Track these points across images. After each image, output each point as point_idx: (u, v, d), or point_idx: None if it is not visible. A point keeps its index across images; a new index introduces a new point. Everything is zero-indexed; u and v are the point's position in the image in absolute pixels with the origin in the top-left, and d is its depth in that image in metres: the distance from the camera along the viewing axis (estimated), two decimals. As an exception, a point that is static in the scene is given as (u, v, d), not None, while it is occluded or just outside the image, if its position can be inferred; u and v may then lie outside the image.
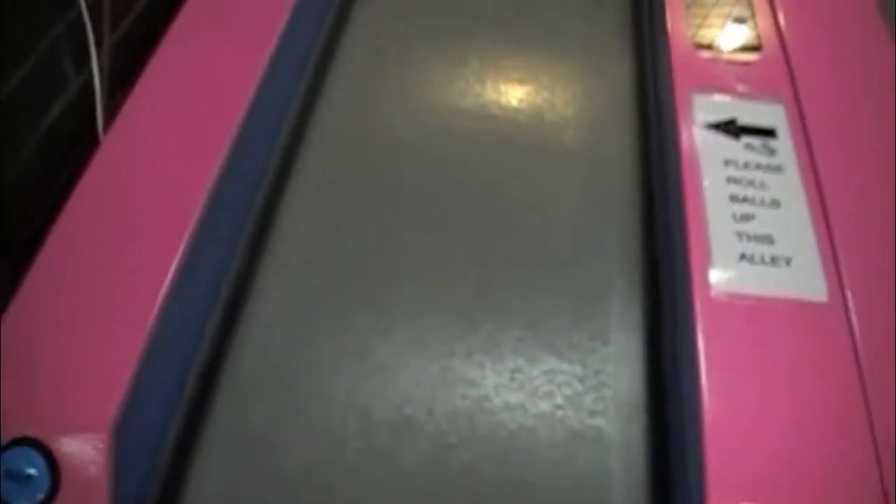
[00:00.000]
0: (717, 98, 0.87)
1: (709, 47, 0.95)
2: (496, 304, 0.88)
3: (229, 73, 0.92)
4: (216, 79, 0.91)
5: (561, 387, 0.81)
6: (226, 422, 0.78)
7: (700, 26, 0.97)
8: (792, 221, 0.76)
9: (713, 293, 0.71)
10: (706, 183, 0.79)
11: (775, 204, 0.78)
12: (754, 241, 0.75)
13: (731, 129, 0.84)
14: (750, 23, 0.99)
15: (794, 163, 0.81)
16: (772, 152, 0.82)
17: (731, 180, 0.79)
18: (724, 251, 0.74)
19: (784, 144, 0.83)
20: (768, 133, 0.83)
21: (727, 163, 0.81)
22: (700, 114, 0.85)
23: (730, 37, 0.96)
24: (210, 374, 0.81)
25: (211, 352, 0.82)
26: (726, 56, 0.94)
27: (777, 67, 0.92)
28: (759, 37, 0.96)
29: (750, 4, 1.02)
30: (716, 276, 0.72)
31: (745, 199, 0.78)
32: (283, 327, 0.85)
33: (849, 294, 0.72)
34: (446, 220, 0.94)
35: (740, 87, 0.89)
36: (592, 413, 0.80)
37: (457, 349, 0.83)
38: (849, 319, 0.70)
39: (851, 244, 0.76)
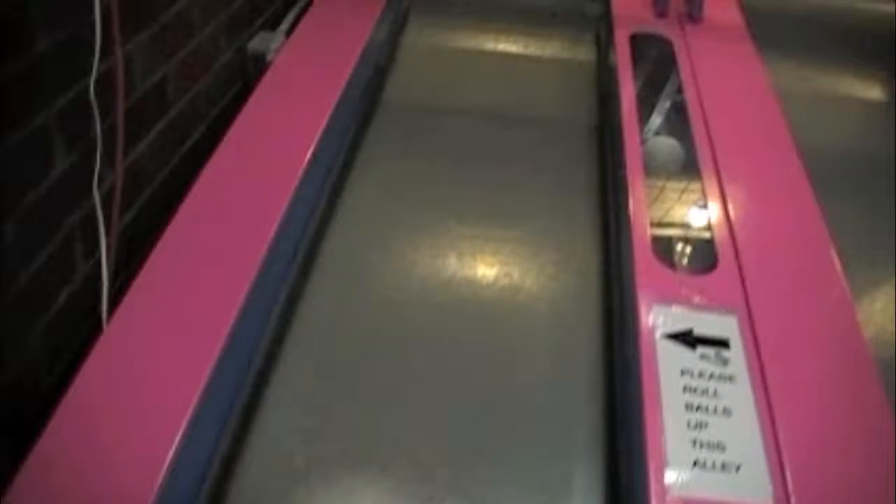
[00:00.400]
0: (675, 309, 0.96)
1: (669, 257, 1.05)
2: (464, 493, 0.94)
3: (229, 262, 1.00)
4: (218, 265, 1.00)
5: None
6: None
7: (661, 234, 1.07)
8: (742, 429, 0.84)
9: (668, 497, 0.78)
10: (664, 392, 0.87)
11: (727, 412, 0.86)
12: (707, 449, 0.82)
13: (687, 339, 0.92)
14: (708, 235, 1.09)
15: (745, 372, 0.89)
16: (724, 362, 0.90)
17: (687, 389, 0.87)
18: (679, 457, 0.81)
19: (736, 355, 0.91)
20: (722, 344, 0.92)
21: (683, 372, 0.89)
22: (661, 324, 0.94)
23: (688, 249, 1.06)
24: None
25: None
26: (685, 268, 1.04)
27: (731, 281, 1.01)
28: (714, 251, 1.05)
29: (708, 217, 1.12)
30: (671, 479, 0.79)
31: (699, 408, 0.86)
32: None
33: (793, 500, 0.79)
34: (416, 406, 1.01)
35: (697, 299, 0.98)
36: None
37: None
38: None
39: (798, 451, 0.83)
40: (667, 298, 0.97)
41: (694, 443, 0.82)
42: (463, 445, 0.96)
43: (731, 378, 0.89)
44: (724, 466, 0.80)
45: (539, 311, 1.16)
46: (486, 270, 1.23)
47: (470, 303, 1.16)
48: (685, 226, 1.11)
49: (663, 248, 1.06)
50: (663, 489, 0.78)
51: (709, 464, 0.81)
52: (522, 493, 0.92)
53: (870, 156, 1.56)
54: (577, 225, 1.29)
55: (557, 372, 1.06)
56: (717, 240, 1.07)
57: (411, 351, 1.07)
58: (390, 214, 1.30)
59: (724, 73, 1.50)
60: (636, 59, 1.51)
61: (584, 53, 1.83)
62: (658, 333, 0.93)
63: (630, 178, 1.17)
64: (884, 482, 0.81)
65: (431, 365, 1.05)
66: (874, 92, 1.90)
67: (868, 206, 1.37)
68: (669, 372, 0.89)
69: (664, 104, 1.38)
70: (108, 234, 1.09)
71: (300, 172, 1.15)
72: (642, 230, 1.08)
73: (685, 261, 1.05)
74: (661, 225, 1.10)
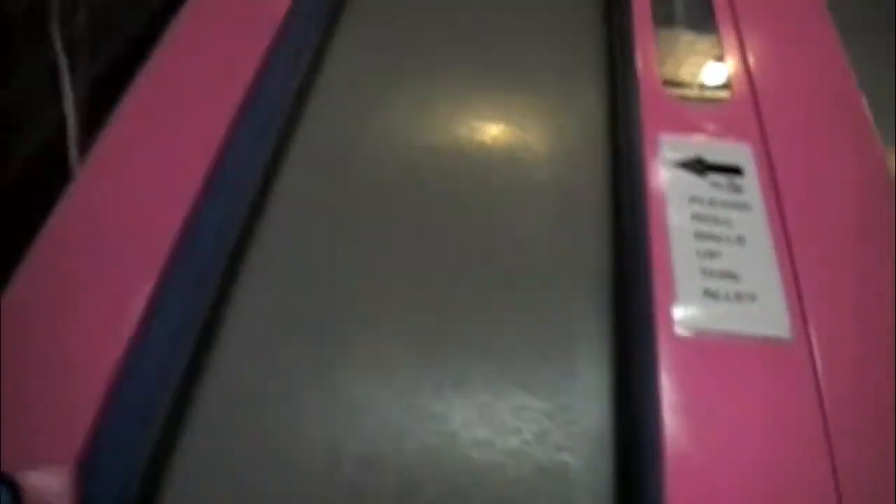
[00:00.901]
0: (685, 138, 0.88)
1: (678, 86, 0.96)
2: (466, 338, 0.88)
3: (204, 112, 0.92)
4: (190, 116, 0.92)
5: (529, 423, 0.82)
6: (197, 451, 0.78)
7: (670, 64, 0.98)
8: (757, 258, 0.77)
9: (676, 329, 0.71)
10: (672, 220, 0.80)
11: (741, 241, 0.79)
12: (719, 278, 0.75)
13: (697, 166, 0.85)
14: (720, 63, 1.00)
15: (760, 200, 0.82)
16: (738, 190, 0.83)
17: (697, 217, 0.80)
18: (688, 287, 0.74)
19: (750, 182, 0.84)
20: (735, 171, 0.85)
21: (693, 200, 0.82)
22: (667, 153, 0.86)
23: (699, 76, 0.98)
24: (180, 403, 0.81)
25: (181, 381, 0.82)
26: (695, 96, 0.96)
27: (745, 108, 0.93)
28: (728, 77, 0.97)
29: (720, 44, 1.03)
30: (679, 312, 0.73)
31: (710, 237, 0.79)
32: (254, 357, 0.85)
33: (812, 331, 0.73)
34: (416, 256, 0.95)
35: (708, 127, 0.90)
36: (560, 449, 0.80)
37: (425, 384, 0.83)
38: (812, 357, 0.71)
39: (815, 281, 0.77)
40: (675, 128, 0.90)
41: (704, 272, 0.75)
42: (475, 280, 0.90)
43: (744, 206, 0.81)
44: (737, 296, 0.74)
45: (543, 153, 1.09)
46: (485, 123, 1.15)
47: (472, 153, 1.09)
48: (696, 54, 1.02)
49: (672, 78, 0.98)
50: (670, 321, 0.72)
51: (721, 294, 0.74)
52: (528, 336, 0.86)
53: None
54: (582, 64, 1.21)
55: (565, 212, 0.99)
56: (731, 70, 0.98)
57: (409, 206, 1.00)
58: (380, 60, 1.22)
59: None
60: None
61: None
62: (665, 161, 0.85)
63: (637, 9, 1.08)
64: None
65: (432, 217, 0.99)
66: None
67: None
68: (678, 200, 0.82)
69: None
70: (73, 80, 1.01)
71: (279, 30, 1.06)
72: (649, 59, 0.99)
73: (696, 91, 0.97)
74: (670, 55, 1.01)
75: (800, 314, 0.74)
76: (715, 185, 0.84)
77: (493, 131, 1.13)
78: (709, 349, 0.71)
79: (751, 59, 1.00)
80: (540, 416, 0.83)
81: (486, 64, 1.20)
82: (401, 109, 1.15)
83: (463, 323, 0.90)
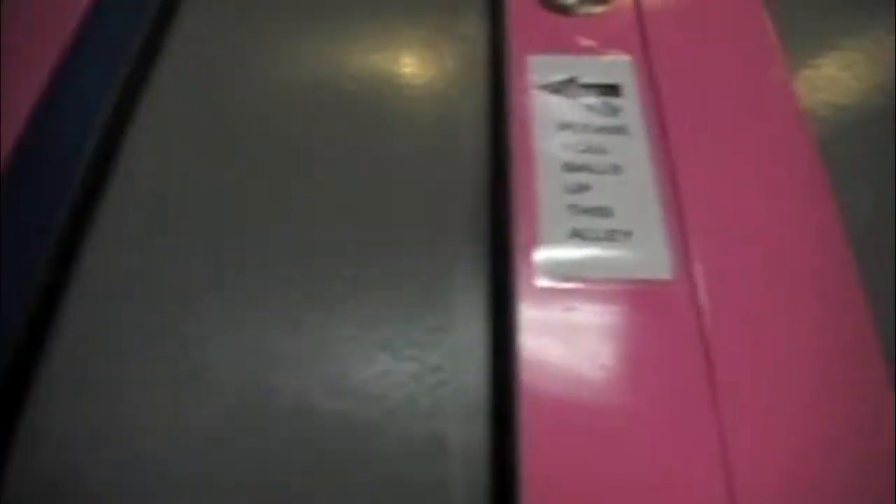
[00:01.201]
0: (558, 57, 0.78)
1: (552, 2, 0.86)
2: (326, 299, 0.78)
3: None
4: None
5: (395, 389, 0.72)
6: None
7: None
8: (634, 189, 0.67)
9: (537, 279, 0.62)
10: (538, 152, 0.69)
11: (616, 170, 0.68)
12: (589, 215, 0.65)
13: (569, 88, 0.74)
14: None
15: (641, 122, 0.72)
16: (615, 111, 0.73)
17: (567, 146, 0.70)
18: (553, 229, 0.64)
19: (630, 103, 0.73)
20: (611, 90, 0.74)
21: (563, 126, 0.71)
22: (537, 75, 0.76)
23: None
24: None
25: None
26: (571, 11, 0.85)
27: (628, 20, 0.83)
28: (608, -13, 0.86)
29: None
30: (541, 258, 0.63)
31: (581, 167, 0.68)
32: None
33: (697, 269, 0.63)
34: (275, 204, 0.84)
35: (584, 44, 0.80)
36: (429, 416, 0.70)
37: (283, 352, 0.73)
38: (696, 299, 0.61)
39: (703, 211, 0.67)
40: (548, 46, 0.79)
41: (573, 209, 0.65)
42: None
43: (622, 129, 0.71)
44: (609, 235, 0.64)
45: (421, 84, 0.98)
46: (358, 53, 1.03)
47: (343, 85, 0.97)
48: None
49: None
50: (531, 267, 0.62)
51: (591, 233, 0.64)
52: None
53: None
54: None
55: (442, 149, 0.88)
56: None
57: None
58: None
59: None
60: None
61: None
62: (534, 85, 0.75)
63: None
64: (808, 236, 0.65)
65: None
66: None
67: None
68: (545, 128, 0.71)
69: None
70: None
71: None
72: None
73: (573, 4, 0.86)
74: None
75: (683, 250, 0.64)
76: (590, 107, 0.73)
77: (366, 62, 1.01)
78: (574, 298, 0.61)
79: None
80: (407, 380, 0.73)
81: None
82: (271, 39, 1.03)
83: (327, 280, 0.79)
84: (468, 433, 0.69)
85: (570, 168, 0.68)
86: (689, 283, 0.62)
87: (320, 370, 0.73)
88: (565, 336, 0.59)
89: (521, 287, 0.61)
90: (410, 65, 0.98)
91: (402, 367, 0.73)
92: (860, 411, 0.58)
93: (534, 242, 0.63)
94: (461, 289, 0.77)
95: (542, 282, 0.61)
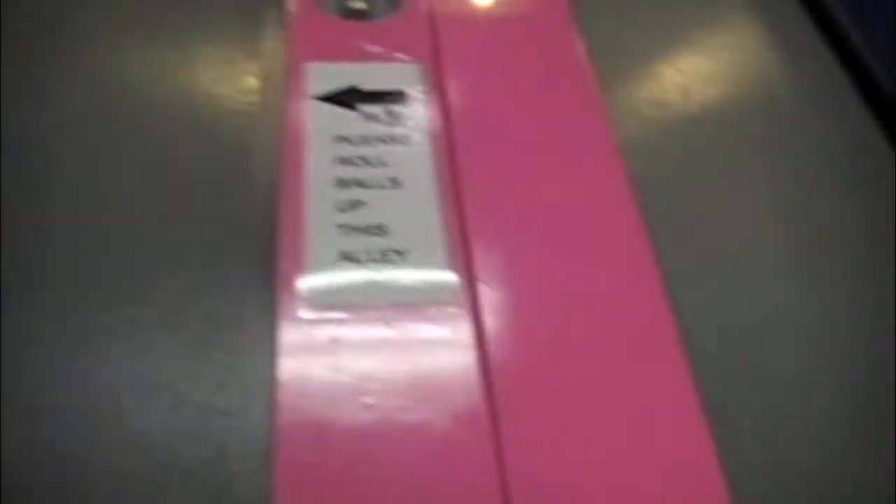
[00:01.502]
0: (337, 65, 0.71)
1: (343, 8, 0.80)
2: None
3: None
4: None
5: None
6: None
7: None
8: (413, 204, 0.61)
9: (300, 306, 0.55)
10: (308, 169, 0.63)
11: (395, 184, 0.63)
12: (361, 234, 0.59)
13: (347, 98, 0.68)
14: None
15: (425, 132, 0.66)
16: (397, 120, 0.67)
17: (341, 161, 0.64)
18: (320, 253, 0.58)
19: (414, 111, 0.68)
20: (394, 98, 0.68)
21: (338, 139, 0.65)
22: (314, 84, 0.69)
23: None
24: None
25: None
26: (361, 17, 0.79)
27: (418, 26, 0.77)
28: (396, -9, 0.81)
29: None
30: (305, 286, 0.56)
31: (355, 182, 0.62)
32: None
33: (481, 290, 0.57)
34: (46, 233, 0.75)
35: (371, 50, 0.74)
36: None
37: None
38: (479, 321, 0.56)
39: (490, 223, 0.61)
40: (329, 52, 0.73)
41: (344, 228, 0.59)
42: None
43: (403, 139, 0.65)
44: (383, 256, 0.58)
45: (214, 101, 0.90)
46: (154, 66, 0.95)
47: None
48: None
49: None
50: (294, 296, 0.55)
51: (362, 255, 0.58)
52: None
53: None
54: None
55: (232, 166, 0.81)
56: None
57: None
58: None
59: None
60: None
61: None
62: (310, 95, 0.68)
63: None
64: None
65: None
66: None
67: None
68: (319, 142, 0.65)
69: None
70: None
71: None
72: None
73: (359, 7, 0.80)
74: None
75: (465, 269, 0.58)
76: (369, 117, 0.67)
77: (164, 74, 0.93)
78: (340, 327, 0.54)
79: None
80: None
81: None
82: (65, 60, 0.94)
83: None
84: (254, 482, 0.62)
85: (343, 184, 0.61)
86: (470, 304, 0.56)
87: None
88: (329, 374, 0.52)
89: (283, 320, 0.54)
90: (198, 81, 0.91)
91: (183, 412, 0.65)
92: (656, 428, 0.53)
93: (297, 269, 0.56)
94: (245, 322, 0.70)
95: (305, 313, 0.54)
